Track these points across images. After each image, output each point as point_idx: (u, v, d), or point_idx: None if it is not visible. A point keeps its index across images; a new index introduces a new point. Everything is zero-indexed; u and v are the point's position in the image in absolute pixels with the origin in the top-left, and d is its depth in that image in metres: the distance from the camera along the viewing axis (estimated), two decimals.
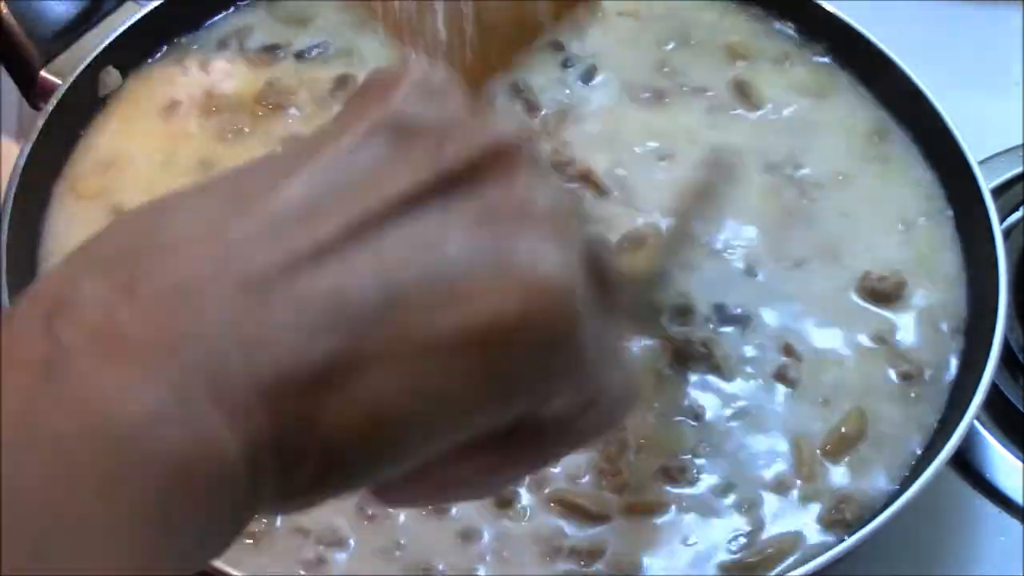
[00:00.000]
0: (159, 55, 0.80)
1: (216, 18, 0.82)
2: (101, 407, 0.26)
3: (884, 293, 0.71)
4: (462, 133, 0.31)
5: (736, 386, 0.67)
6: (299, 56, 0.81)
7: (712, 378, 0.66)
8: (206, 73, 0.80)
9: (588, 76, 0.81)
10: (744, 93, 0.81)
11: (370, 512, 0.60)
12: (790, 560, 0.60)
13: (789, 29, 0.84)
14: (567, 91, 0.80)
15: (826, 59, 0.83)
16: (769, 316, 0.70)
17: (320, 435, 0.29)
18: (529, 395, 0.31)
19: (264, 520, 0.60)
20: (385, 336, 0.29)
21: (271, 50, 0.81)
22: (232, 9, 0.83)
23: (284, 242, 0.29)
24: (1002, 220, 0.76)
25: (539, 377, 0.31)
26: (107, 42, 0.77)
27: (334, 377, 0.28)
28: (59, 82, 0.75)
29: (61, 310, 0.27)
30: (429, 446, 0.31)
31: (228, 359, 0.27)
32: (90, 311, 0.27)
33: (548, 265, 0.30)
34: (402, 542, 0.60)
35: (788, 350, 0.68)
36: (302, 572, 0.59)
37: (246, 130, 0.77)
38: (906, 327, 0.70)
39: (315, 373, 0.28)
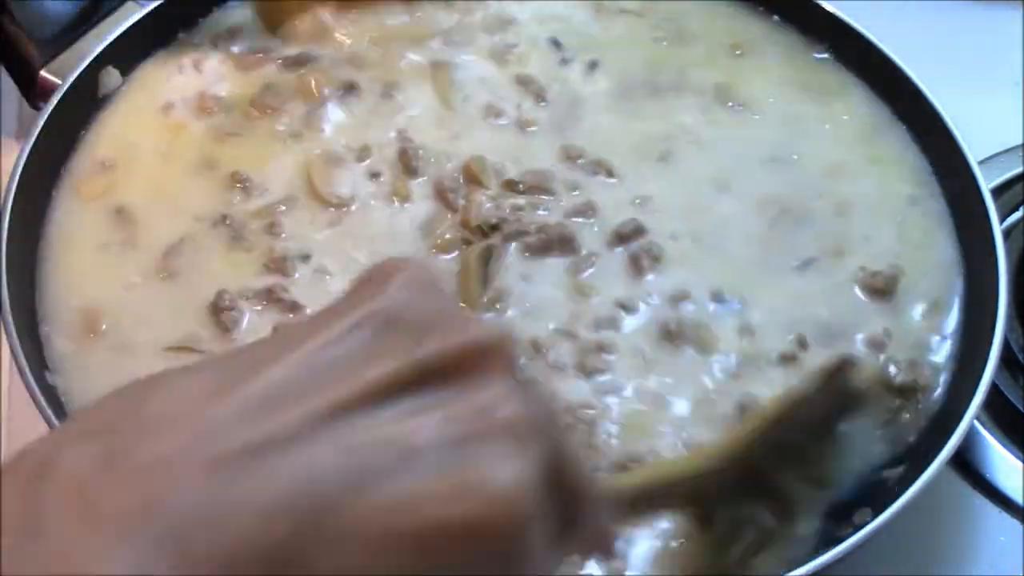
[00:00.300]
0: (159, 55, 0.80)
1: (215, 13, 0.82)
2: (76, 566, 0.28)
3: (881, 290, 0.71)
4: (443, 329, 0.33)
5: None
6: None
7: None
8: (203, 73, 0.80)
9: (590, 70, 0.81)
10: (744, 90, 0.81)
11: None
12: None
13: (789, 29, 0.85)
14: (571, 85, 0.81)
15: (826, 58, 0.83)
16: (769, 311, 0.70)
17: None
18: None
19: None
20: (339, 524, 0.30)
21: (265, 52, 0.81)
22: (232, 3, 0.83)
23: (255, 425, 0.30)
24: (1002, 220, 0.76)
25: (485, 573, 0.32)
26: (107, 42, 0.77)
27: (290, 557, 0.29)
28: (59, 82, 0.75)
29: (43, 473, 0.29)
30: None
31: (192, 534, 0.28)
32: (69, 477, 0.29)
33: (502, 479, 0.31)
34: None
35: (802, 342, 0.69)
36: None
37: (240, 132, 0.77)
38: (904, 325, 0.70)
39: (270, 554, 0.29)
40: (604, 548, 0.41)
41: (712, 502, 0.54)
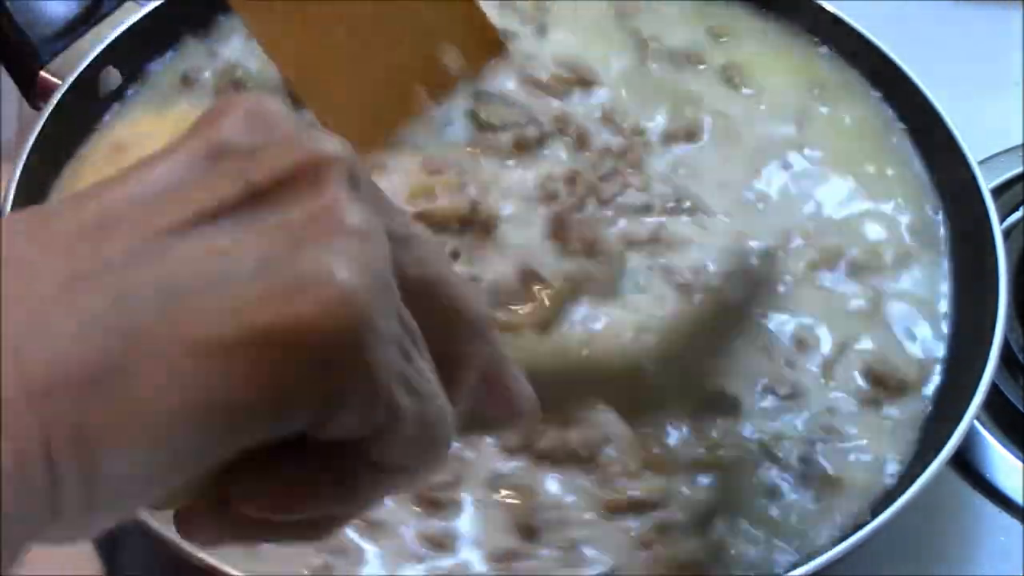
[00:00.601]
0: (159, 55, 0.80)
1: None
2: None
3: (880, 290, 0.72)
4: (275, 151, 0.32)
5: None
6: None
7: None
8: (207, 72, 0.80)
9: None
10: (745, 85, 0.81)
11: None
12: None
13: (789, 28, 0.85)
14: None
15: (825, 58, 0.83)
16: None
17: (89, 444, 0.29)
18: (308, 403, 0.31)
19: None
20: (159, 336, 0.29)
21: None
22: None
23: (71, 259, 0.30)
24: (1002, 220, 0.76)
25: (318, 385, 0.30)
26: (107, 42, 0.77)
27: (104, 378, 0.29)
28: (59, 82, 0.75)
29: None
30: (205, 455, 0.31)
31: (4, 367, 0.28)
32: None
33: (338, 277, 0.30)
34: None
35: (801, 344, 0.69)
36: (306, 572, 0.59)
37: None
38: (904, 326, 0.70)
39: (84, 375, 0.29)
40: (511, 413, 0.39)
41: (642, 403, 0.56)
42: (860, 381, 0.68)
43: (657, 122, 0.78)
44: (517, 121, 0.75)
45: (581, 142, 0.75)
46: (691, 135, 0.77)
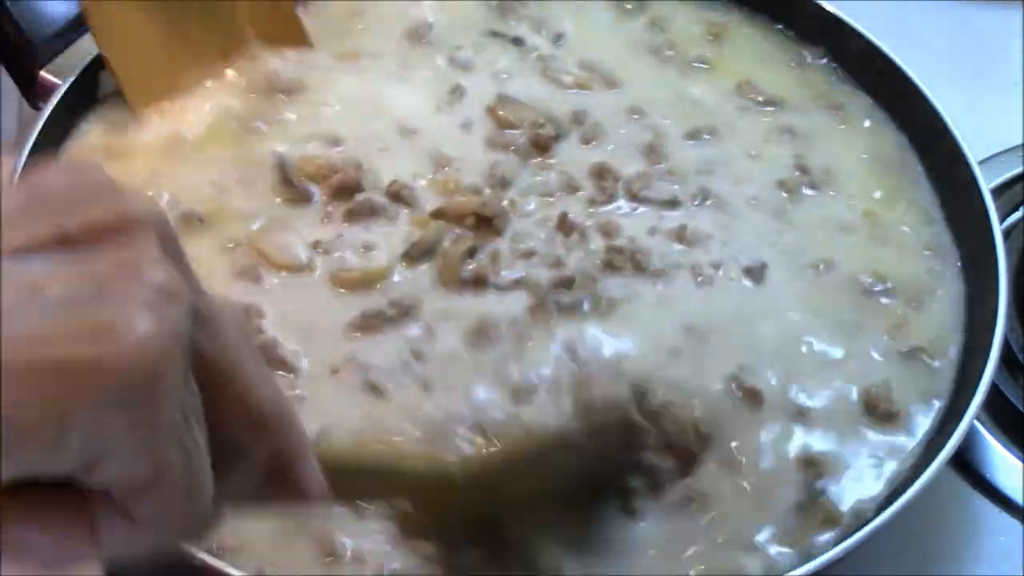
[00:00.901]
0: None
1: None
2: None
3: (880, 291, 0.71)
4: (93, 205, 0.33)
5: None
6: None
7: None
8: None
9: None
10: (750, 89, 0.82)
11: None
12: None
13: (789, 28, 0.85)
14: None
15: (823, 59, 0.84)
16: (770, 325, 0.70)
17: None
18: (79, 440, 0.31)
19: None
20: None
21: None
22: None
23: None
24: (1002, 220, 0.76)
25: (92, 424, 0.31)
26: None
27: None
28: (59, 82, 0.75)
29: None
30: None
31: None
32: None
33: (140, 326, 0.31)
34: None
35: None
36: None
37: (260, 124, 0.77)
38: (903, 327, 0.70)
39: None
40: (296, 499, 0.40)
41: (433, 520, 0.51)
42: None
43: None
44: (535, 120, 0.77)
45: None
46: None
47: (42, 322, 0.31)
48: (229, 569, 0.55)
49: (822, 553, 0.59)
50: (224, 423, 0.36)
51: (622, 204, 0.74)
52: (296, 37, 0.81)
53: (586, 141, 0.77)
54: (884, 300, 0.72)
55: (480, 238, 0.71)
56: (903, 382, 0.68)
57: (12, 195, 0.34)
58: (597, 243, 0.71)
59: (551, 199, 0.74)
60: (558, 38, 0.84)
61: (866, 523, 0.60)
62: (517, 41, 0.83)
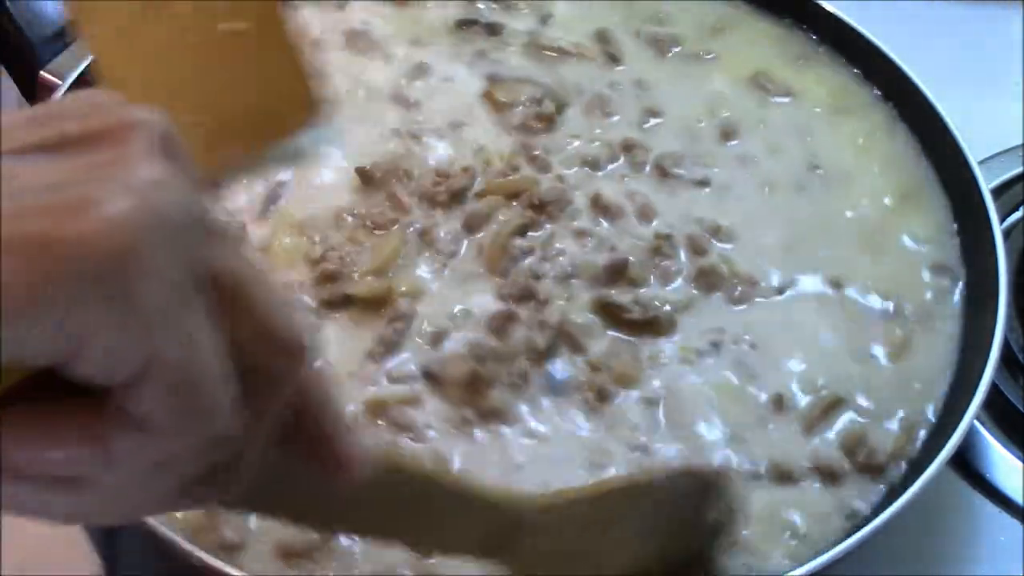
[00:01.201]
0: None
1: None
2: None
3: (879, 290, 0.72)
4: (94, 115, 0.34)
5: None
6: None
7: None
8: None
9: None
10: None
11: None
12: None
13: (789, 28, 0.85)
14: None
15: (825, 58, 0.84)
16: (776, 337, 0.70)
17: None
18: (55, 318, 0.31)
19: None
20: None
21: None
22: None
23: None
24: (1002, 220, 0.76)
25: (67, 300, 0.31)
26: None
27: None
28: (59, 82, 0.75)
29: None
30: None
31: None
32: None
33: (115, 204, 0.31)
34: None
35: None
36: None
37: None
38: (903, 328, 0.70)
39: None
40: (329, 462, 0.39)
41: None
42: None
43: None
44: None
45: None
46: None
47: (23, 203, 0.31)
48: (229, 569, 0.55)
49: (822, 553, 0.59)
50: (250, 344, 0.34)
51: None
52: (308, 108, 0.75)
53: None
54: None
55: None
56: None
57: (28, 110, 0.35)
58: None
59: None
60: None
61: (866, 523, 0.60)
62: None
